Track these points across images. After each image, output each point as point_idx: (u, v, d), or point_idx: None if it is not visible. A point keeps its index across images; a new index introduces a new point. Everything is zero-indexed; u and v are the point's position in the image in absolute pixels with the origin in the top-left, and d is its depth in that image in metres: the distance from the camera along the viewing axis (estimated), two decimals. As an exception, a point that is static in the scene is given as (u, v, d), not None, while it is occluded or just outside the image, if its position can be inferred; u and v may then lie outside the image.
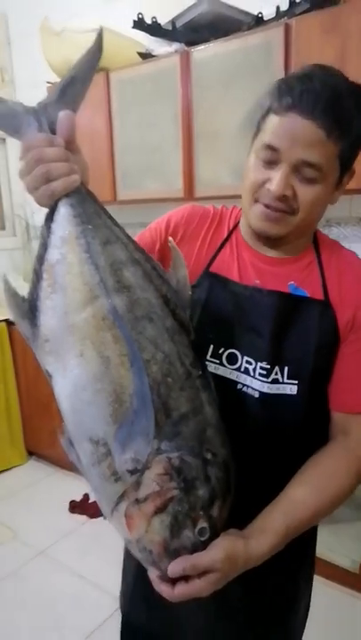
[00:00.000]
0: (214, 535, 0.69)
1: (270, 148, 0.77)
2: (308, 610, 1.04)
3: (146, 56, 2.43)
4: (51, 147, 0.69)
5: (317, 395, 0.86)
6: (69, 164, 0.70)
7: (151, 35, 2.41)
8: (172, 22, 2.31)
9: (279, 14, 2.04)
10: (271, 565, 0.74)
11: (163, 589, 0.69)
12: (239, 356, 0.86)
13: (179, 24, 2.29)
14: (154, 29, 2.37)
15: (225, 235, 0.93)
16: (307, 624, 1.06)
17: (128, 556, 1.08)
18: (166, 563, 0.67)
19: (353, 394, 0.84)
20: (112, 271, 0.72)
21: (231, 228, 0.93)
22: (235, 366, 0.86)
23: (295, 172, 0.77)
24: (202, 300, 0.87)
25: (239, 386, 0.85)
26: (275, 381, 0.84)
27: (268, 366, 0.84)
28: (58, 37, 2.55)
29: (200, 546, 0.68)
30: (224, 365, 0.86)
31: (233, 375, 0.86)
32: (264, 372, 0.84)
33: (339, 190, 0.83)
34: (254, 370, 0.84)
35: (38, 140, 0.70)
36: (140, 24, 2.37)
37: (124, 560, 1.10)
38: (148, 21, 2.37)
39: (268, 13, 2.09)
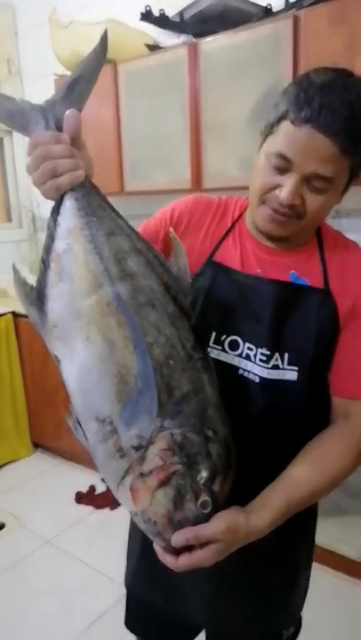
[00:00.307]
0: (216, 509, 0.71)
1: (283, 157, 0.78)
2: (308, 584, 1.07)
3: (154, 48, 2.44)
4: (57, 144, 0.73)
5: (318, 381, 0.87)
6: (74, 160, 0.74)
7: (159, 27, 2.42)
8: (180, 14, 2.32)
9: (288, 5, 2.04)
10: (272, 540, 0.77)
11: (167, 560, 0.72)
12: (241, 343, 0.88)
13: (187, 16, 2.29)
14: (162, 21, 2.38)
15: (229, 225, 0.95)
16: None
17: (132, 537, 1.12)
18: (170, 533, 0.70)
19: (353, 380, 0.86)
20: (116, 260, 0.76)
21: (235, 218, 0.95)
22: (236, 352, 0.88)
23: (305, 181, 0.78)
24: (205, 288, 0.89)
25: (241, 371, 0.88)
26: (275, 367, 0.86)
27: (269, 352, 0.86)
28: (66, 30, 2.56)
29: (203, 518, 0.70)
30: (226, 351, 0.88)
31: (235, 361, 0.88)
32: (264, 358, 0.86)
33: (343, 195, 0.85)
34: (255, 356, 0.87)
35: (45, 138, 0.73)
36: (147, 16, 2.38)
37: (129, 542, 1.13)
38: (156, 13, 2.37)
39: (277, 5, 2.10)
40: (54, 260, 0.77)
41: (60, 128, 0.76)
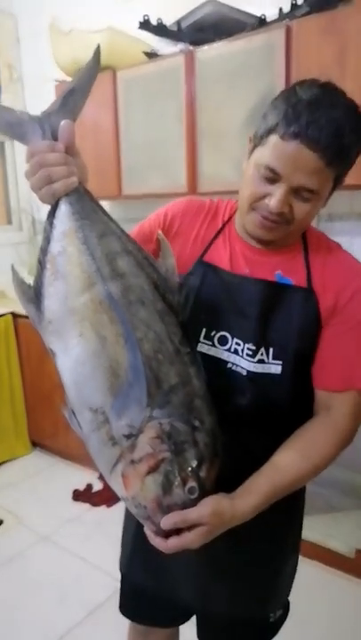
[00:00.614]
0: (203, 494, 0.76)
1: (272, 170, 0.82)
2: (295, 571, 1.11)
3: (152, 55, 2.49)
4: (52, 152, 0.78)
5: (301, 374, 0.92)
6: (69, 168, 0.79)
7: (157, 35, 2.48)
8: (178, 23, 2.38)
9: (281, 16, 2.10)
10: (258, 526, 0.82)
11: (157, 542, 0.77)
12: (229, 338, 0.93)
13: (184, 25, 2.35)
14: (160, 30, 2.44)
15: (219, 227, 0.99)
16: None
17: (126, 524, 1.17)
18: (159, 517, 0.75)
19: (334, 374, 0.91)
20: (107, 260, 0.81)
21: (225, 220, 1.00)
22: (225, 347, 0.93)
23: (293, 192, 0.83)
24: (196, 287, 0.95)
25: (229, 365, 0.93)
26: (260, 361, 0.91)
27: (255, 347, 0.91)
28: (66, 37, 2.61)
29: (190, 503, 0.75)
30: (215, 346, 0.93)
31: (224, 355, 0.93)
32: (251, 353, 0.91)
33: (327, 200, 0.90)
34: (242, 350, 0.92)
35: (42, 147, 0.79)
36: (146, 25, 2.44)
37: (123, 528, 1.18)
38: (154, 22, 2.43)
39: (271, 15, 2.15)
40: (50, 260, 0.82)
41: (55, 137, 0.81)
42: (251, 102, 2.13)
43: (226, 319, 0.93)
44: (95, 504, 2.64)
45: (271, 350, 0.90)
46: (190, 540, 0.75)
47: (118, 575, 1.20)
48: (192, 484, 0.75)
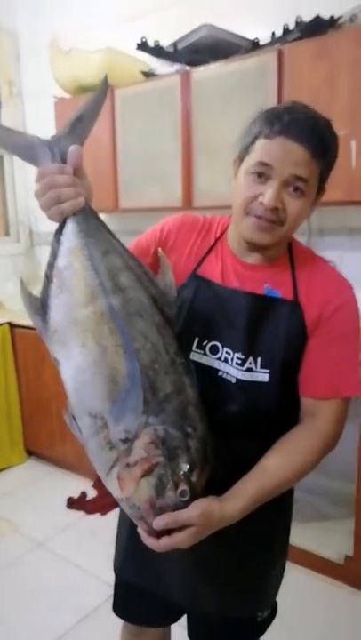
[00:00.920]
0: (194, 497, 0.81)
1: (263, 164, 0.90)
2: (282, 573, 1.16)
3: (149, 75, 2.57)
4: (61, 174, 0.84)
5: (288, 382, 0.97)
6: (76, 189, 0.85)
7: (154, 56, 2.56)
8: (174, 45, 2.46)
9: (274, 40, 2.18)
10: (246, 528, 0.87)
11: (149, 541, 0.81)
12: (220, 347, 0.98)
13: (180, 46, 2.44)
14: (157, 51, 2.52)
15: (212, 242, 1.05)
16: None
17: (121, 525, 1.21)
18: (152, 518, 0.80)
19: (319, 382, 0.96)
20: (110, 276, 0.86)
21: (218, 236, 1.06)
22: (216, 356, 0.98)
23: (285, 186, 0.90)
24: (189, 299, 1.00)
25: (220, 373, 0.98)
26: (249, 370, 0.96)
27: (243, 356, 0.96)
28: (66, 56, 2.69)
29: (181, 505, 0.80)
30: (207, 355, 0.99)
31: (215, 364, 0.98)
32: (240, 362, 0.96)
33: (313, 207, 0.97)
34: (232, 359, 0.97)
35: (51, 169, 0.84)
36: (143, 46, 2.52)
37: (118, 530, 1.23)
38: (152, 44, 2.51)
39: (264, 38, 2.24)
40: (56, 274, 0.87)
41: (64, 160, 0.86)
42: (244, 121, 2.18)
43: (217, 329, 0.98)
44: (89, 512, 2.66)
45: (259, 359, 0.96)
46: (181, 539, 0.79)
47: (112, 582, 1.23)
48: (183, 487, 0.80)
